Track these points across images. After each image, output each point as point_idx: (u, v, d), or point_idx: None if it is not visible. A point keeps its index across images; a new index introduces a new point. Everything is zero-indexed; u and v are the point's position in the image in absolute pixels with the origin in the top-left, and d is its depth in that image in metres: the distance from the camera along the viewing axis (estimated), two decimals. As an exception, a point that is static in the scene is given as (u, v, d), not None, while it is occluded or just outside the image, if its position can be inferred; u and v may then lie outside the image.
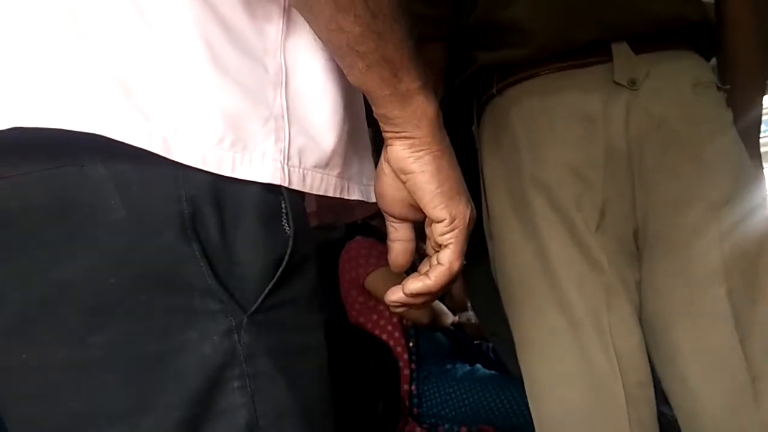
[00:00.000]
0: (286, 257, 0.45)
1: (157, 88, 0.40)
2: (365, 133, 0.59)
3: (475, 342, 2.01)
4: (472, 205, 0.52)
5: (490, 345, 1.97)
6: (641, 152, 0.87)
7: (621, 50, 0.87)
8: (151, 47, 0.40)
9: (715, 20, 0.95)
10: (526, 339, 0.94)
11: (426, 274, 0.52)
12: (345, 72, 0.47)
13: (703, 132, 0.88)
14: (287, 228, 0.46)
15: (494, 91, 0.94)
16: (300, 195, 0.49)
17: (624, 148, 0.87)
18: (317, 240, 0.51)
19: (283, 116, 0.46)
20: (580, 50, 0.88)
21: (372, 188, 0.57)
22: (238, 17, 0.44)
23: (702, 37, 0.93)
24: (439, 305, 1.92)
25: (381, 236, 1.89)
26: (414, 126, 0.48)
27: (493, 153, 0.96)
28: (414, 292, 0.52)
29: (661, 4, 0.88)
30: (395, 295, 0.54)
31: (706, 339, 0.86)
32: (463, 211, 0.51)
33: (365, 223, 1.94)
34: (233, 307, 0.42)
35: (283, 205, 0.46)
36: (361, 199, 0.56)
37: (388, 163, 0.51)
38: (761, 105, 0.99)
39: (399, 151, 0.49)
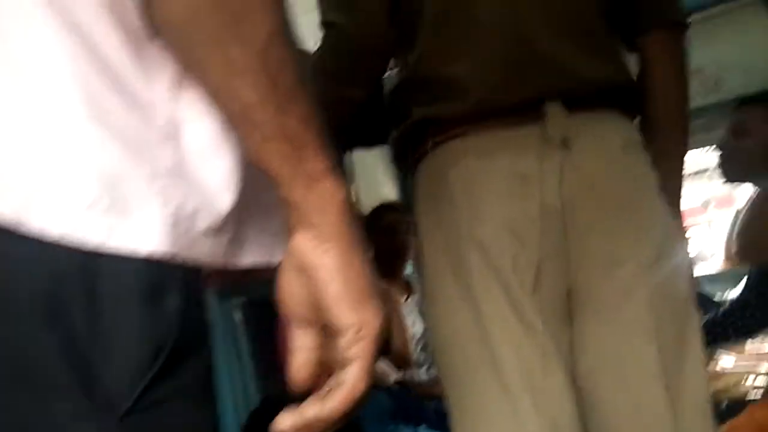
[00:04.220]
0: (171, 341, 0.39)
1: (11, 140, 0.35)
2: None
3: (422, 401, 1.96)
4: (388, 311, 0.45)
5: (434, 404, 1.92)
6: (574, 211, 0.87)
7: (554, 109, 0.89)
8: (4, 90, 0.35)
9: (640, 85, 0.99)
10: (459, 403, 0.91)
11: (326, 396, 0.43)
12: (240, 144, 0.42)
13: (633, 192, 0.90)
14: (173, 305, 0.40)
15: (429, 146, 0.94)
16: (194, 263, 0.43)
17: (558, 207, 0.87)
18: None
19: (172, 174, 0.40)
20: (514, 108, 0.89)
21: (277, 245, 0.50)
22: (122, 60, 0.39)
23: (628, 100, 0.96)
24: (380, 363, 1.87)
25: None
26: (319, 213, 0.42)
27: (428, 209, 0.95)
28: (308, 419, 0.42)
29: (592, 67, 0.91)
30: (286, 422, 0.43)
31: (638, 398, 0.85)
32: (372, 319, 0.43)
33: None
34: (101, 408, 0.36)
35: (169, 278, 0.40)
36: (255, 265, 0.50)
37: (290, 256, 0.44)
38: (683, 165, 1.02)
39: (301, 242, 0.43)
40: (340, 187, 0.43)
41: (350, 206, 0.44)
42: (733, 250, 2.19)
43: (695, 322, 0.90)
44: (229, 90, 0.38)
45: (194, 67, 0.39)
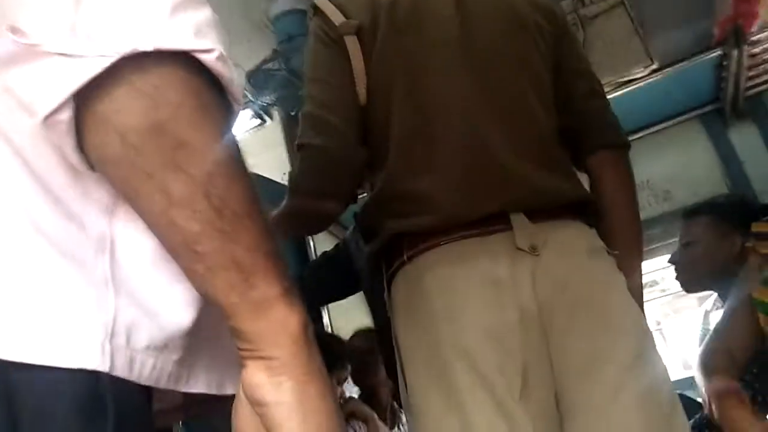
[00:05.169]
0: None
1: None
2: None
3: None
4: None
5: None
6: (551, 314, 0.89)
7: (519, 220, 0.93)
8: None
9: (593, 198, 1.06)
10: None
11: None
12: (184, 273, 0.38)
13: (604, 293, 0.93)
14: (109, 421, 0.35)
15: (405, 258, 0.96)
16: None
17: (535, 311, 0.89)
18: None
19: (106, 283, 0.38)
20: (483, 220, 0.93)
21: (228, 375, 0.46)
22: (58, 177, 0.38)
23: (587, 210, 1.02)
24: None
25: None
26: (271, 344, 0.38)
27: (408, 321, 0.95)
28: None
29: (550, 183, 0.98)
30: None
31: None
32: None
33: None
34: None
35: (104, 393, 0.35)
36: (206, 392, 0.45)
37: (243, 390, 0.40)
38: (640, 270, 1.07)
39: (254, 375, 0.39)
40: (296, 312, 0.39)
41: (308, 333, 0.40)
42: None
43: (682, 420, 0.90)
44: (168, 221, 0.36)
45: (130, 198, 0.37)
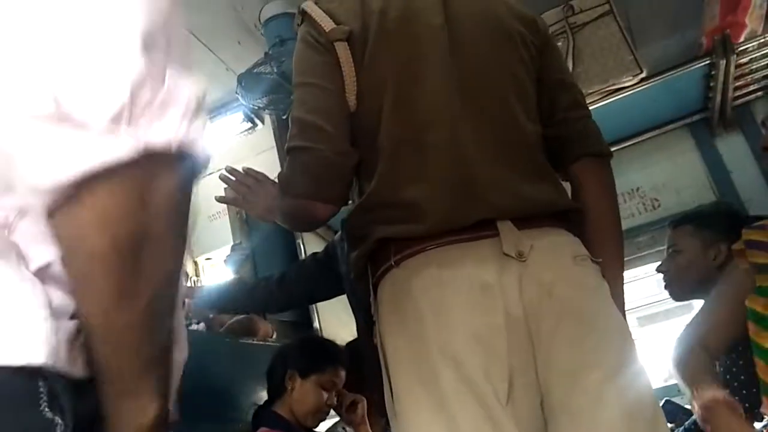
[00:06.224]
0: None
1: None
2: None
3: None
4: None
5: None
6: (537, 320, 0.90)
7: (506, 227, 0.95)
8: None
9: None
10: None
11: None
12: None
13: (589, 299, 0.94)
14: (55, 419, 0.35)
15: (392, 262, 0.97)
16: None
17: (521, 316, 0.90)
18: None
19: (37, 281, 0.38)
20: (470, 227, 0.95)
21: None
22: None
23: (571, 219, 1.04)
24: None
25: (290, 428, 1.75)
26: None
27: (394, 325, 0.96)
28: None
29: (536, 193, 1.00)
30: None
31: None
32: None
33: (272, 411, 1.81)
34: None
35: (41, 392, 0.35)
36: None
37: None
38: (622, 277, 1.08)
39: None
40: (150, 410, 0.42)
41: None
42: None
43: (664, 428, 0.91)
44: (101, 309, 0.37)
45: (76, 278, 0.38)
